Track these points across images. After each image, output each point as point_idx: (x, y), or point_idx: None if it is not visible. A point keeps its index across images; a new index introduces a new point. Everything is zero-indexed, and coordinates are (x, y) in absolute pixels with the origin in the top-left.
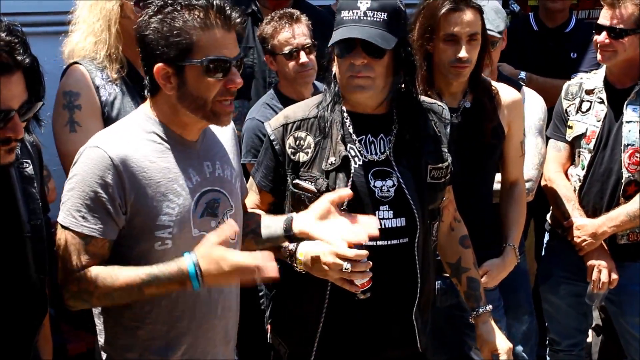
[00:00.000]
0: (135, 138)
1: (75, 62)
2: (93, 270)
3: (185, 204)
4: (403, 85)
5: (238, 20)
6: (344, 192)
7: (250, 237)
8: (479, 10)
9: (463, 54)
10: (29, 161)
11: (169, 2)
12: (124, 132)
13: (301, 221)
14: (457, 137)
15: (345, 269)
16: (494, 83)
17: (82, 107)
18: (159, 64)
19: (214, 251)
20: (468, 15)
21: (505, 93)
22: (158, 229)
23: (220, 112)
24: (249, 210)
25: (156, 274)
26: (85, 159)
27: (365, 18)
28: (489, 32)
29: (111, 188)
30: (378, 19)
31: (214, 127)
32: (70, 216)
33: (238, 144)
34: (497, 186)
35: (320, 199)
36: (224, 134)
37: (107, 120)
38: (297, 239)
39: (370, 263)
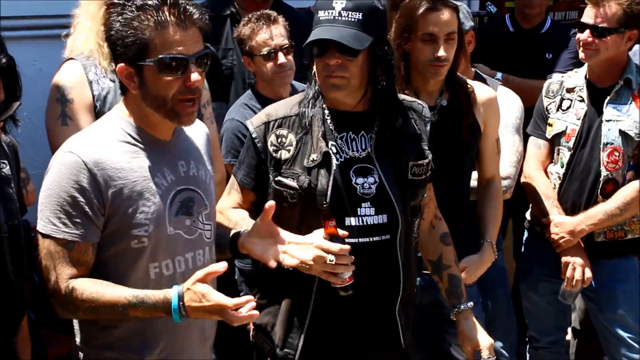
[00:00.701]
0: (109, 140)
1: (71, 58)
2: (79, 284)
3: (161, 202)
4: (382, 84)
5: (196, 16)
6: (268, 205)
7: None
8: (456, 10)
9: (441, 53)
10: (6, 162)
11: (127, 3)
12: (97, 134)
13: (245, 239)
14: (434, 135)
15: (330, 260)
16: (469, 81)
17: (75, 100)
18: (121, 64)
19: (199, 287)
20: (445, 14)
21: (481, 91)
22: (135, 227)
23: (181, 112)
24: (232, 225)
25: (142, 298)
26: (59, 165)
27: (339, 18)
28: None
29: (88, 192)
30: (353, 19)
31: (187, 129)
32: (50, 223)
33: (210, 147)
34: (474, 183)
35: (257, 220)
36: (199, 136)
37: (99, 114)
38: (241, 254)
39: (353, 258)
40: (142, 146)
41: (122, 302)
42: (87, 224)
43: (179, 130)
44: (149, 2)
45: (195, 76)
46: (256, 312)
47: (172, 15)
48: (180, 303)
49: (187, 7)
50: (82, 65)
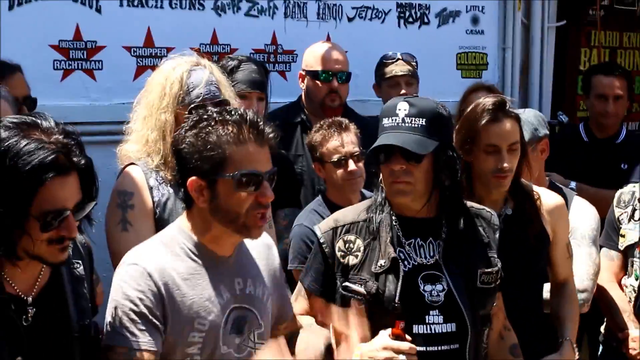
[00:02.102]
0: (171, 254)
1: (132, 163)
2: None
3: (216, 321)
4: (448, 189)
5: (271, 135)
6: None
7: None
8: (517, 119)
9: (505, 164)
10: (80, 261)
11: (204, 117)
12: (160, 247)
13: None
14: (500, 245)
15: None
16: (535, 188)
17: (135, 206)
18: (193, 177)
19: None
20: (507, 125)
21: (547, 198)
22: (188, 345)
23: (252, 226)
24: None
25: None
26: (124, 276)
27: (403, 124)
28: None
29: (152, 302)
30: (416, 125)
31: (248, 244)
32: (118, 334)
33: (274, 255)
34: (546, 295)
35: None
36: (259, 250)
37: (159, 220)
38: None
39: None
40: (201, 262)
41: None
42: (153, 332)
43: (240, 245)
44: (229, 118)
45: (270, 193)
46: None
47: (251, 132)
48: None
49: (264, 126)
50: (143, 171)
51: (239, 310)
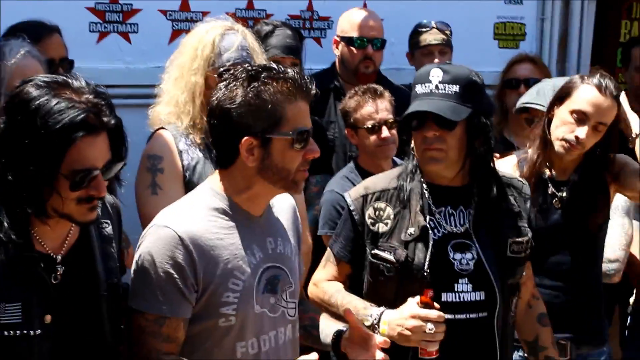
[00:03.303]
0: (203, 214)
1: (161, 128)
2: None
3: (250, 281)
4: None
5: (313, 92)
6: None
7: (301, 332)
8: (617, 104)
9: (581, 134)
10: (109, 221)
11: (252, 74)
12: (191, 209)
13: (345, 341)
14: (567, 212)
15: (429, 329)
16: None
17: (165, 170)
18: (245, 137)
19: None
20: (606, 101)
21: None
22: (223, 305)
23: (300, 180)
24: (311, 295)
25: None
26: (154, 239)
27: (437, 91)
28: (538, 107)
29: (183, 267)
30: (450, 92)
31: (275, 204)
32: (143, 299)
33: (297, 220)
34: (607, 267)
35: (371, 338)
36: (285, 210)
37: (189, 184)
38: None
39: (445, 327)
40: (234, 222)
41: None
42: (180, 300)
43: (269, 206)
44: (281, 75)
45: (317, 148)
46: None
47: (301, 89)
48: None
49: (309, 82)
50: (172, 135)
51: (272, 269)
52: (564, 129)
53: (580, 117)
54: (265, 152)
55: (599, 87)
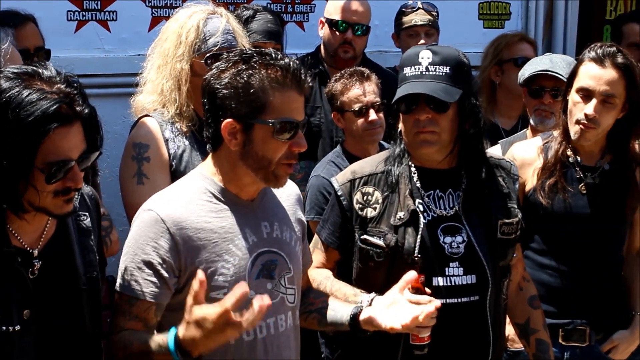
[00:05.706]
0: (191, 198)
1: (146, 115)
2: (123, 334)
3: (241, 265)
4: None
5: (307, 85)
6: (410, 276)
7: (314, 316)
8: (627, 73)
9: (590, 111)
10: (87, 213)
11: (245, 57)
12: (180, 193)
13: (369, 310)
14: (593, 198)
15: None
16: None
17: (151, 159)
18: (228, 119)
19: (193, 314)
20: (608, 73)
21: None
22: (213, 289)
23: (280, 175)
24: (315, 285)
25: (159, 343)
26: (139, 222)
27: (427, 73)
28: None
29: (164, 250)
30: (440, 73)
31: (276, 190)
32: (122, 279)
33: (302, 207)
34: None
35: (392, 289)
36: (287, 195)
37: (175, 173)
38: (359, 329)
39: (436, 312)
40: (224, 206)
41: (148, 349)
42: (157, 283)
43: (265, 190)
44: (274, 62)
45: (304, 142)
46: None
47: (294, 79)
48: (177, 340)
49: (305, 74)
50: (158, 123)
51: (268, 254)
52: (574, 111)
53: (586, 94)
54: (247, 138)
55: (597, 59)
